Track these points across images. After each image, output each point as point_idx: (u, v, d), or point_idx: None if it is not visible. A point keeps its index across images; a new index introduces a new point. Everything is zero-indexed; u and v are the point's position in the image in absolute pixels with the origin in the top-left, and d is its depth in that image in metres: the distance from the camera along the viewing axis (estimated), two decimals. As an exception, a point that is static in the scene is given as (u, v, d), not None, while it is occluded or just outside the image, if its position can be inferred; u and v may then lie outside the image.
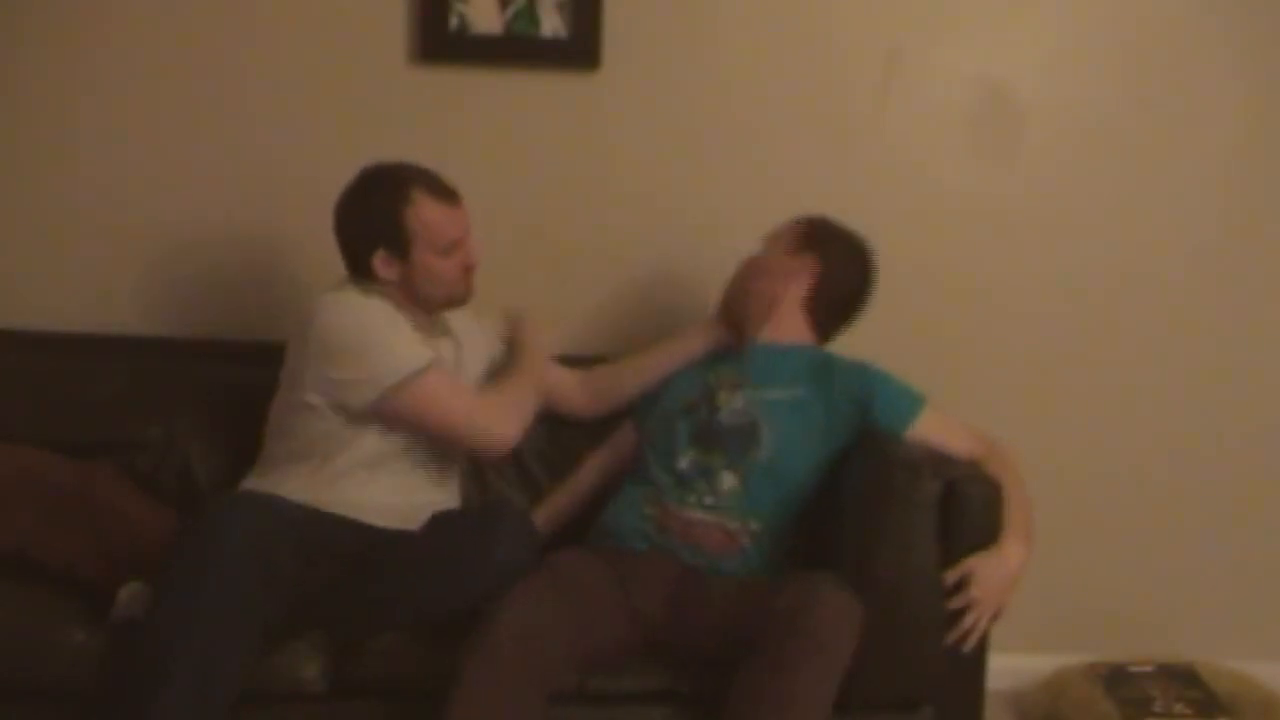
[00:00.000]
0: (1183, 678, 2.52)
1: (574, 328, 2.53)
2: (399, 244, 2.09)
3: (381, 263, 2.11)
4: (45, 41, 2.53)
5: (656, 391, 2.30)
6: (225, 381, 2.36)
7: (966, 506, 1.95)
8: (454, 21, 2.52)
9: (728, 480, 2.11)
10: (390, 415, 2.05)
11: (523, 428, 2.14)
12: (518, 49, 2.54)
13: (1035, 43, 2.61)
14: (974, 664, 1.98)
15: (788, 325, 2.26)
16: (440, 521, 2.08)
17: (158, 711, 1.72)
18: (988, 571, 1.92)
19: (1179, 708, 2.43)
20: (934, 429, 2.14)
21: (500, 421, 2.11)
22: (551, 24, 2.52)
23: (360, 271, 2.13)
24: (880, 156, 2.61)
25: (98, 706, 1.80)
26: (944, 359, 2.64)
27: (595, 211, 2.60)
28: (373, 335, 2.04)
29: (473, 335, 2.30)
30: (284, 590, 1.86)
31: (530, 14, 2.52)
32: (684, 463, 2.15)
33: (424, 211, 2.10)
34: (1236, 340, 2.69)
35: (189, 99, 2.55)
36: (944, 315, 2.66)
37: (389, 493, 2.09)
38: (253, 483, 2.09)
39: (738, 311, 2.27)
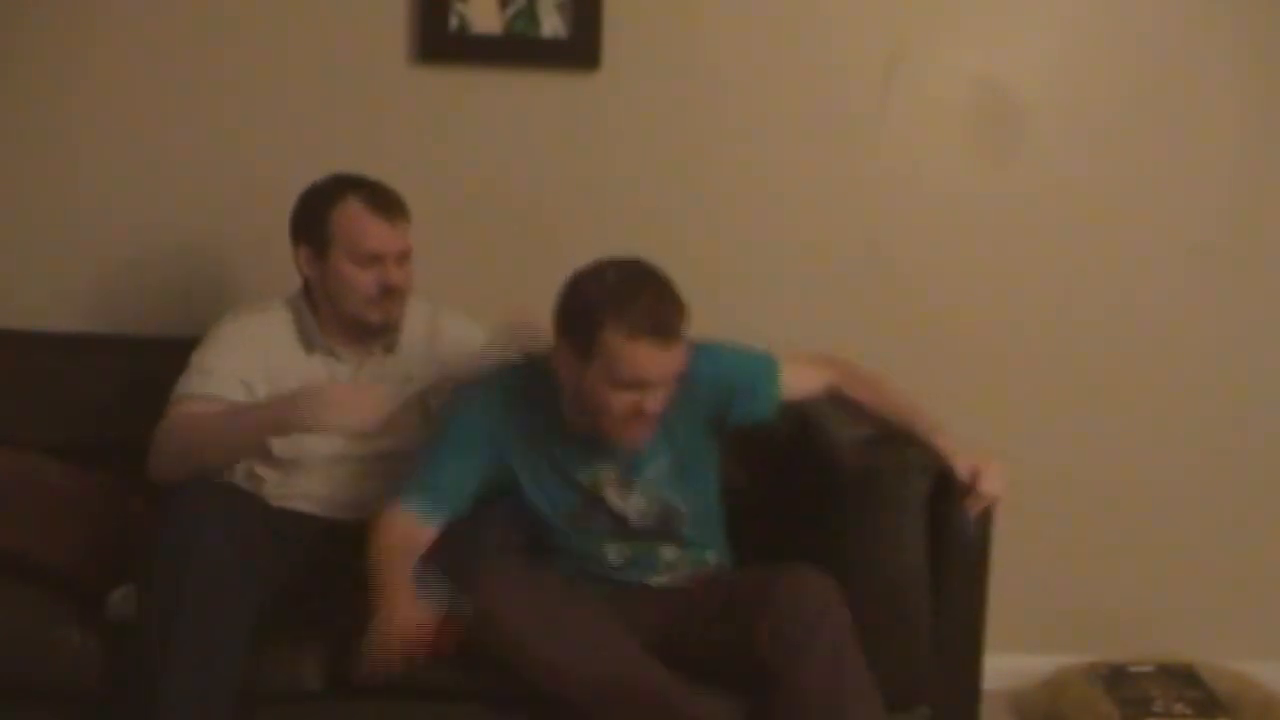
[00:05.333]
0: (1183, 678, 2.52)
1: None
2: (319, 241, 2.08)
3: (304, 261, 2.11)
4: (45, 43, 2.53)
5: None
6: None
7: (956, 504, 1.95)
8: (454, 21, 2.52)
9: (668, 554, 2.08)
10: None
11: (164, 472, 1.96)
12: (518, 49, 2.54)
13: (1035, 43, 2.61)
14: (969, 663, 1.98)
15: None
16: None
17: (162, 707, 1.72)
18: (976, 462, 1.97)
19: (1179, 708, 2.43)
20: (794, 382, 2.11)
21: (152, 456, 1.98)
22: (551, 24, 2.52)
23: (296, 266, 2.14)
24: (880, 157, 2.61)
25: (99, 708, 1.80)
26: (944, 358, 2.65)
27: (595, 211, 2.60)
28: (200, 351, 2.08)
29: (418, 363, 2.19)
30: (264, 575, 1.85)
31: (530, 14, 2.52)
32: (613, 556, 2.07)
33: (349, 214, 2.07)
34: (1237, 340, 2.69)
35: (189, 99, 2.55)
36: (944, 315, 2.65)
37: (347, 486, 2.08)
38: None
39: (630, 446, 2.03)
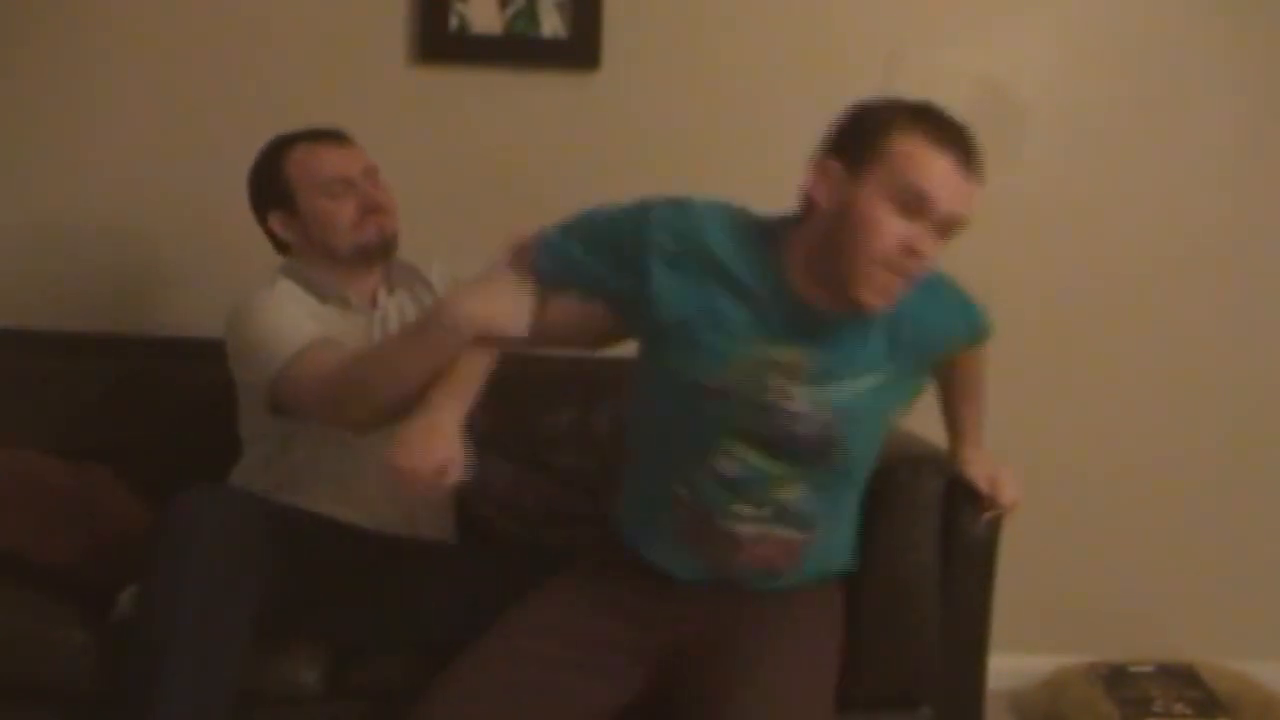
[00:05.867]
0: (1183, 678, 2.52)
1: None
2: (285, 197, 2.04)
3: (279, 225, 2.06)
4: (46, 44, 2.53)
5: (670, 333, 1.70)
6: (223, 382, 2.36)
7: (968, 504, 1.95)
8: (454, 21, 2.52)
9: (794, 490, 1.70)
10: (291, 410, 1.90)
11: (344, 419, 1.85)
12: (518, 49, 2.54)
13: (1035, 43, 2.61)
14: (974, 663, 1.98)
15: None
16: (456, 559, 2.04)
17: (159, 708, 1.71)
18: (992, 471, 1.93)
19: (1179, 708, 2.43)
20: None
21: (337, 415, 1.85)
22: (551, 24, 2.53)
23: (276, 246, 2.09)
24: (880, 156, 2.61)
25: (98, 709, 1.80)
26: (944, 359, 2.65)
27: (595, 211, 2.60)
28: (254, 332, 1.92)
29: (416, 310, 2.11)
30: (266, 580, 1.82)
31: (530, 14, 2.52)
32: (731, 465, 1.68)
33: (299, 155, 2.04)
34: (1237, 339, 2.69)
35: (189, 99, 2.55)
36: (944, 315, 2.65)
37: (374, 488, 2.00)
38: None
39: (880, 293, 1.65)
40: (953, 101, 2.59)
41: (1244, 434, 2.70)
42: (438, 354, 1.75)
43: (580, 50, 2.53)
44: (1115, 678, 2.51)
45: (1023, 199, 2.64)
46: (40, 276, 2.58)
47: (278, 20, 2.54)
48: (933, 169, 1.61)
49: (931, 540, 1.93)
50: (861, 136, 1.66)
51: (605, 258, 1.75)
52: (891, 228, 1.59)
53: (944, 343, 1.84)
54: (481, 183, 2.58)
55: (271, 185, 2.06)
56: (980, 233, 2.64)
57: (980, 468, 1.94)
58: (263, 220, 2.09)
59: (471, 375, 1.75)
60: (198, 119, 2.55)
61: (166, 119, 2.56)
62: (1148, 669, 2.55)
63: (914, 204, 1.59)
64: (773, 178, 2.61)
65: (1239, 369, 2.69)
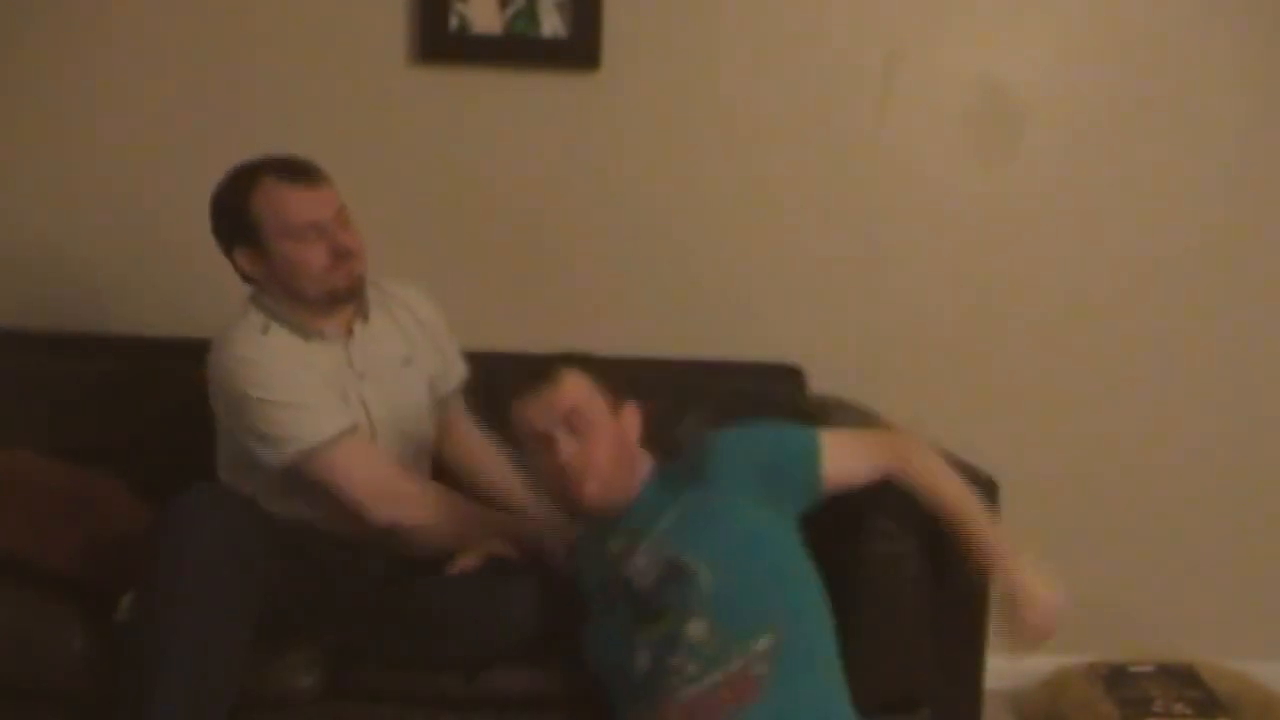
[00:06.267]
0: (1183, 678, 2.52)
1: (571, 327, 2.52)
2: (251, 235, 1.96)
3: (245, 261, 1.99)
4: (45, 44, 2.53)
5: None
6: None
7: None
8: (454, 21, 2.52)
9: (695, 631, 1.72)
10: (319, 484, 1.93)
11: (397, 520, 1.95)
12: (518, 49, 2.54)
13: (1035, 43, 2.61)
14: (972, 665, 1.98)
15: (636, 468, 1.93)
16: (448, 579, 2.01)
17: (156, 711, 1.71)
18: (1032, 586, 1.81)
19: (1179, 708, 2.43)
20: (839, 458, 1.87)
21: (375, 501, 1.93)
22: (551, 24, 2.52)
23: (242, 276, 2.02)
24: (880, 158, 2.61)
25: (98, 712, 1.80)
26: (944, 359, 2.65)
27: (595, 211, 2.60)
28: (269, 393, 1.90)
29: (395, 334, 2.12)
30: (262, 583, 1.82)
31: (530, 14, 2.52)
32: (642, 658, 1.74)
33: (267, 194, 1.95)
34: (1236, 340, 2.69)
35: (189, 99, 2.55)
36: (944, 315, 2.65)
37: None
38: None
39: (589, 504, 1.87)
40: (952, 101, 2.61)
41: (1244, 434, 2.70)
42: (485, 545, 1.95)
43: (580, 50, 2.53)
44: (1115, 678, 2.51)
45: (1022, 199, 2.64)
46: (40, 276, 2.58)
47: (278, 20, 2.53)
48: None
49: (927, 543, 1.93)
50: None
51: None
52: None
53: (755, 452, 1.88)
54: (481, 182, 2.58)
55: (237, 220, 1.98)
56: (980, 233, 2.67)
57: (1019, 576, 1.82)
58: (227, 251, 2.02)
59: None
60: (197, 119, 2.55)
61: (166, 118, 2.55)
62: (1148, 669, 2.55)
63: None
64: (770, 177, 2.63)
65: (1239, 369, 2.69)
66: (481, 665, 1.91)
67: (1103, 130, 2.62)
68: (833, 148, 2.61)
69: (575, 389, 1.87)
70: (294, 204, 1.96)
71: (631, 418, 1.94)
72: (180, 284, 2.58)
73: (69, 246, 2.58)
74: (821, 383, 2.51)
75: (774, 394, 2.45)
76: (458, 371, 2.24)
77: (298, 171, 1.98)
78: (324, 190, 1.99)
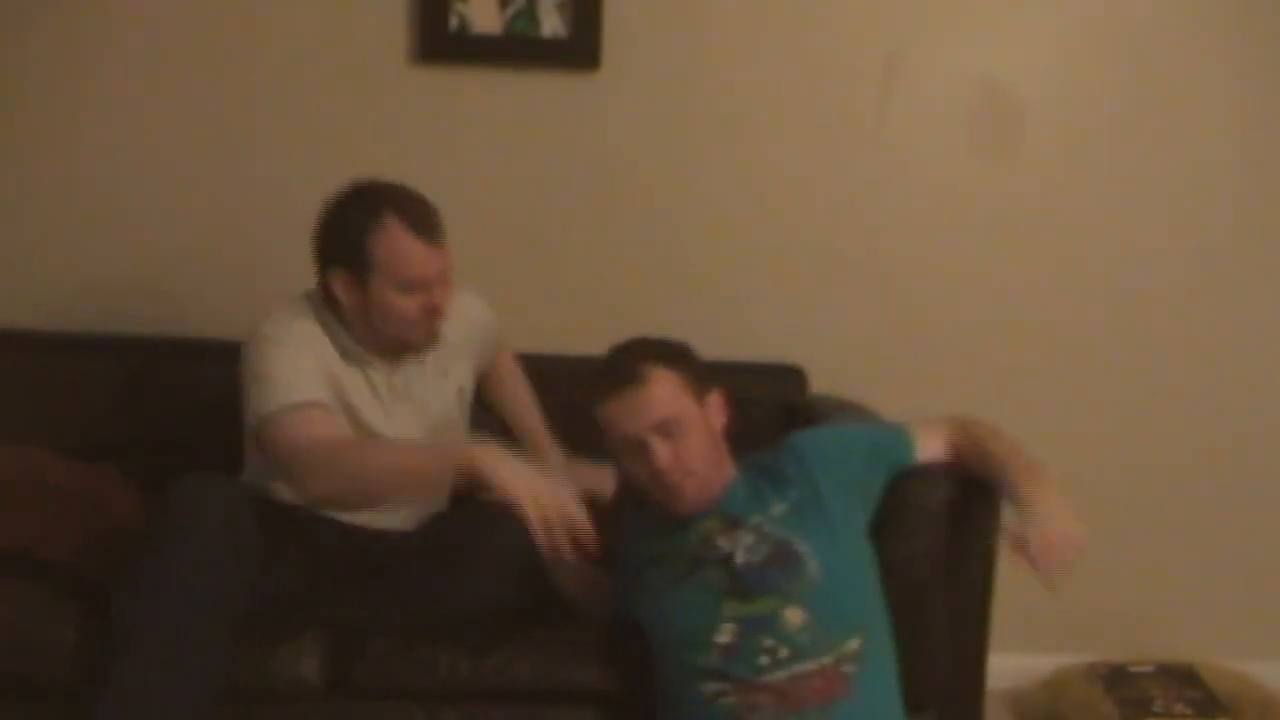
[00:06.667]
0: (1183, 678, 2.52)
1: (572, 327, 2.53)
2: (358, 267, 1.94)
3: (340, 283, 1.97)
4: (46, 44, 2.53)
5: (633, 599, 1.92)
6: (225, 381, 2.36)
7: (975, 513, 1.94)
8: (454, 21, 2.52)
9: (793, 618, 1.75)
10: (270, 453, 1.90)
11: (326, 482, 1.87)
12: (518, 49, 2.54)
13: (1035, 43, 2.61)
14: (975, 665, 1.98)
15: (725, 457, 1.94)
16: (431, 526, 2.06)
17: (130, 686, 1.70)
18: (1038, 536, 1.76)
19: (1179, 708, 2.43)
20: (925, 438, 1.97)
21: (310, 476, 1.86)
22: (551, 24, 2.52)
23: (322, 286, 2.01)
24: (880, 157, 2.61)
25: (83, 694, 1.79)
26: (943, 358, 2.65)
27: (595, 211, 2.60)
28: (260, 366, 1.90)
29: (446, 357, 2.14)
30: (254, 571, 1.82)
31: (530, 14, 2.52)
32: (726, 631, 1.76)
33: (390, 238, 1.93)
34: (1237, 340, 2.69)
35: (189, 99, 2.55)
36: (943, 314, 2.66)
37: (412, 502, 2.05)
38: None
39: (689, 503, 1.87)
40: (953, 101, 2.61)
41: (1244, 434, 2.70)
42: (440, 477, 1.83)
43: (580, 50, 2.53)
44: (1115, 678, 2.51)
45: (1022, 199, 2.64)
46: (40, 277, 2.58)
47: (278, 20, 2.53)
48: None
49: (940, 544, 1.92)
50: None
51: None
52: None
53: (861, 449, 1.94)
54: (481, 183, 2.58)
55: (349, 249, 1.95)
56: (980, 233, 2.67)
57: (1036, 527, 1.77)
58: (322, 266, 1.99)
59: None
60: (197, 119, 2.55)
61: (166, 118, 2.55)
62: (1148, 669, 2.55)
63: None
64: (771, 177, 2.63)
65: (1239, 370, 2.69)
66: (478, 602, 1.90)
67: (1103, 130, 2.62)
68: (833, 148, 2.61)
69: (664, 394, 1.83)
70: (415, 260, 1.93)
71: (716, 405, 1.93)
72: (181, 284, 2.58)
73: (69, 246, 2.58)
74: (821, 383, 2.51)
75: (774, 394, 2.45)
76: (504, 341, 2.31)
77: (424, 224, 1.95)
78: (442, 248, 1.97)
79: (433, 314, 1.98)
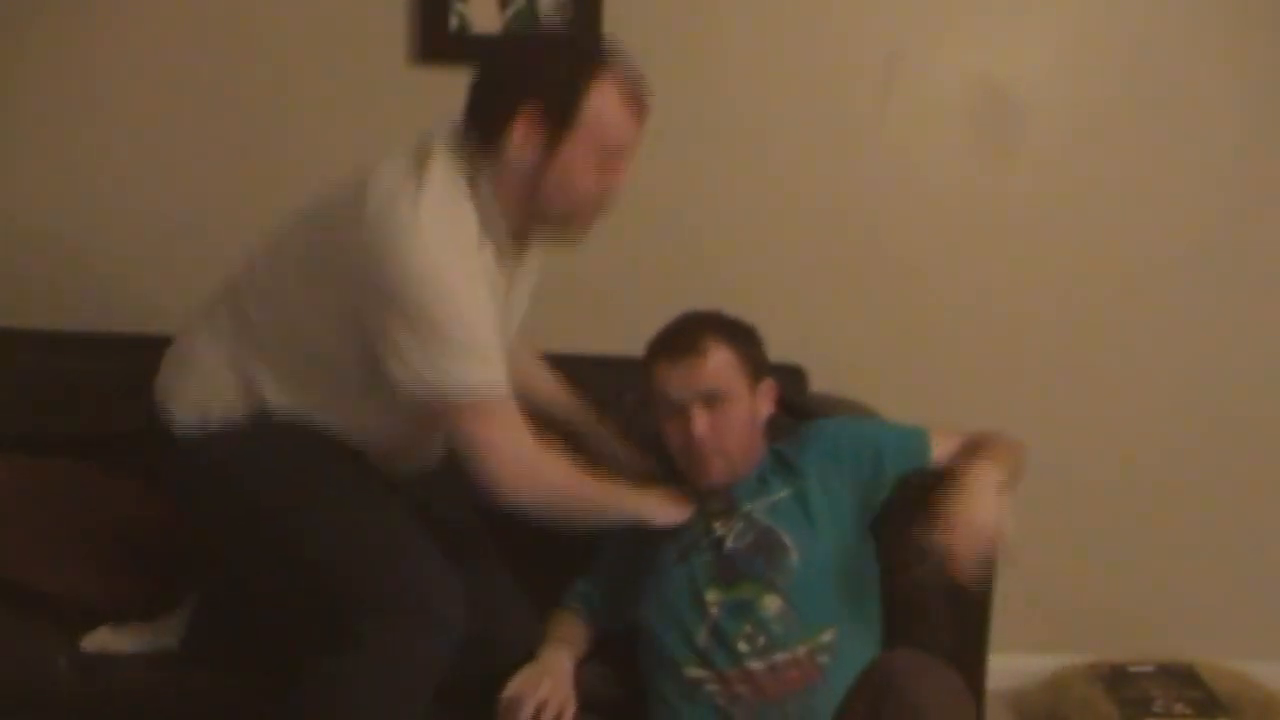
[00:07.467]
0: (1183, 678, 2.52)
1: (571, 326, 2.52)
2: (561, 116, 1.67)
3: (525, 127, 1.67)
4: (46, 43, 2.53)
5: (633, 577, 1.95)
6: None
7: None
8: (454, 21, 2.52)
9: (771, 605, 1.79)
10: (423, 409, 1.71)
11: (524, 499, 1.75)
12: (518, 49, 2.54)
13: (1035, 43, 2.61)
14: (974, 664, 1.97)
15: (758, 448, 1.98)
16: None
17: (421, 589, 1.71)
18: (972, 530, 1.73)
19: (1179, 708, 2.43)
20: (941, 448, 1.95)
21: (514, 484, 1.73)
22: (551, 24, 2.52)
23: (483, 132, 1.71)
24: (880, 156, 2.61)
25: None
26: (944, 357, 2.65)
27: (595, 211, 2.60)
28: (437, 309, 1.62)
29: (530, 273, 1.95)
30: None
31: (530, 14, 2.52)
32: (709, 617, 1.81)
33: (608, 101, 1.69)
34: (1236, 340, 2.69)
35: (189, 99, 2.55)
36: (944, 314, 2.66)
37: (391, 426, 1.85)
38: (281, 399, 1.81)
39: (719, 479, 1.91)
40: (953, 101, 2.61)
41: (1244, 434, 2.70)
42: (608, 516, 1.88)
43: (580, 50, 2.53)
44: (1115, 678, 2.51)
45: (1022, 199, 2.64)
46: (40, 276, 2.58)
47: (278, 20, 2.53)
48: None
49: (940, 550, 1.92)
50: None
51: None
52: None
53: (869, 448, 1.93)
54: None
55: (559, 91, 1.68)
56: (981, 233, 2.67)
57: (965, 521, 1.73)
58: (509, 104, 1.69)
59: (578, 638, 1.93)
60: (196, 118, 2.55)
61: (165, 118, 2.55)
62: (1148, 669, 2.55)
63: None
64: (771, 177, 2.63)
65: (1239, 369, 2.69)
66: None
67: (1103, 130, 2.62)
68: (834, 148, 2.61)
69: (720, 367, 1.86)
70: (625, 129, 1.73)
71: (767, 394, 1.96)
72: (180, 283, 2.57)
73: (69, 245, 2.58)
74: (821, 383, 2.51)
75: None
76: None
77: (641, 104, 1.76)
78: (643, 131, 1.76)
79: (609, 197, 1.77)
